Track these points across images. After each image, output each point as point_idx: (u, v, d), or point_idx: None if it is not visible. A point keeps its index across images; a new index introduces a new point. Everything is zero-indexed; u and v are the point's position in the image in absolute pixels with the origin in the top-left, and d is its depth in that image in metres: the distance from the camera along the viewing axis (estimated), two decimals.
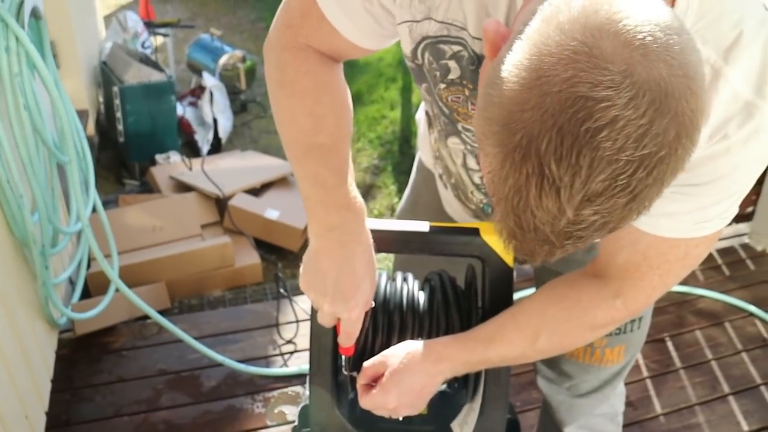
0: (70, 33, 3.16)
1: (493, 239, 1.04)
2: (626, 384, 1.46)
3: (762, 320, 2.50)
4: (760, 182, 2.79)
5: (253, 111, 4.41)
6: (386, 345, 1.04)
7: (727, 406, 2.17)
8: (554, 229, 0.60)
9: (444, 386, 1.15)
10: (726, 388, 2.24)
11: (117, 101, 3.47)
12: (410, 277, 1.12)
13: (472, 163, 1.10)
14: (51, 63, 1.97)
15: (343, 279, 0.95)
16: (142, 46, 4.07)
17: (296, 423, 1.25)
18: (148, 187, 3.42)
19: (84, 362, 2.26)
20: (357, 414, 1.13)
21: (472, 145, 1.06)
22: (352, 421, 1.11)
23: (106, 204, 2.96)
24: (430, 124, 1.19)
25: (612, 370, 1.32)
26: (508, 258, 1.05)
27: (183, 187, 3.22)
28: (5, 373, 1.65)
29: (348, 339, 1.01)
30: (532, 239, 0.62)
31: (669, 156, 0.57)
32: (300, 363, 2.28)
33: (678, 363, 2.33)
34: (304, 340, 2.36)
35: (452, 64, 0.92)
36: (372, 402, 1.01)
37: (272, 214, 3.03)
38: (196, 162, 3.37)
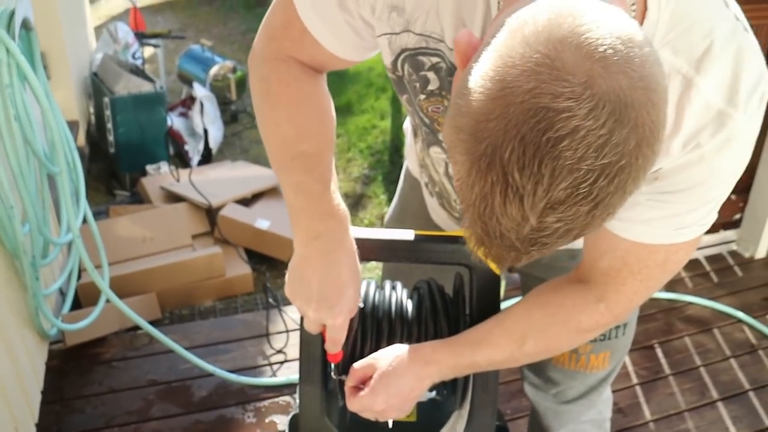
0: (61, 44, 3.17)
1: None
2: (615, 391, 1.47)
3: (750, 326, 2.52)
4: (747, 190, 2.82)
5: (244, 121, 4.42)
6: (375, 352, 1.04)
7: (716, 412, 2.19)
8: (519, 236, 0.61)
9: (433, 393, 1.15)
10: (715, 394, 2.25)
11: (107, 112, 3.47)
12: (399, 285, 1.13)
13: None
14: (42, 74, 1.98)
15: (328, 286, 0.96)
16: (133, 57, 4.08)
17: None
18: (139, 198, 3.42)
19: (75, 373, 2.25)
20: (347, 422, 1.13)
21: None
22: (342, 429, 1.11)
23: (97, 215, 2.96)
24: (414, 134, 1.20)
25: (598, 376, 1.32)
26: (495, 266, 1.06)
27: (174, 198, 3.21)
28: None
29: (334, 346, 1.02)
30: (499, 245, 0.63)
31: (630, 165, 0.58)
32: (290, 373, 2.28)
33: (667, 369, 2.34)
34: (294, 349, 2.36)
35: (431, 75, 0.93)
36: (360, 404, 1.01)
37: (263, 224, 3.04)
38: (184, 173, 3.36)
